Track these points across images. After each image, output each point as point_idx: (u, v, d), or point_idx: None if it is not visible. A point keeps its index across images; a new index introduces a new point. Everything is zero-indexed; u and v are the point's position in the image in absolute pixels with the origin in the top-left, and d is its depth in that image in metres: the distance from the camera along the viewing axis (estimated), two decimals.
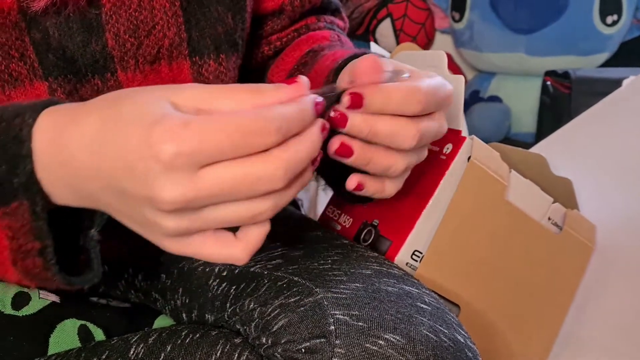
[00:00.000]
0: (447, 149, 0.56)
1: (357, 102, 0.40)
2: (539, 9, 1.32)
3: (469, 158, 0.55)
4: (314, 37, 0.60)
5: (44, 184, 0.37)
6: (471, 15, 1.43)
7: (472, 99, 1.44)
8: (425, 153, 0.45)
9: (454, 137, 0.56)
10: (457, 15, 1.47)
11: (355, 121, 0.40)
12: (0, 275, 0.40)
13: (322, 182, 0.56)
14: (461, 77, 0.55)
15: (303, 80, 0.36)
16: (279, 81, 0.52)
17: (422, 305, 0.43)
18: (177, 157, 0.32)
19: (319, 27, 0.63)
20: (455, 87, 0.57)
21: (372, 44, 1.44)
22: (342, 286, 0.43)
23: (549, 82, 1.23)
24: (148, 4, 0.50)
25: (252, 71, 0.64)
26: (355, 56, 0.49)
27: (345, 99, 0.40)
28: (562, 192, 0.63)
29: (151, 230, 0.36)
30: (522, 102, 1.40)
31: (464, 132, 0.57)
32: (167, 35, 0.51)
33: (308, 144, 0.35)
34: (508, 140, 1.40)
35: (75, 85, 0.49)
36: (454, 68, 1.54)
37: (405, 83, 0.41)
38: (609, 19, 1.36)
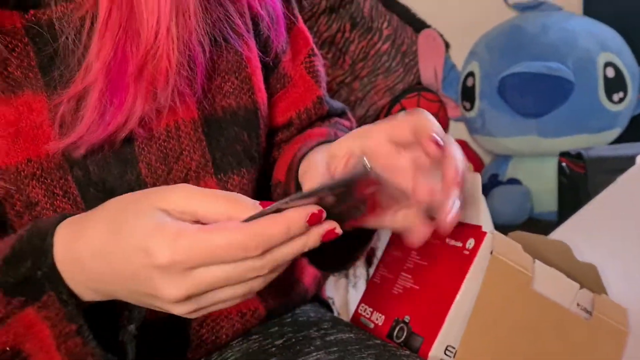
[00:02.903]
0: (470, 244, 0.58)
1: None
2: (544, 94, 1.34)
3: (491, 252, 0.57)
4: (311, 134, 0.63)
5: (68, 283, 0.43)
6: (481, 104, 1.46)
7: (492, 182, 1.45)
8: None
9: (475, 232, 0.58)
10: (467, 105, 1.51)
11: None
12: None
13: (352, 279, 0.59)
14: (478, 175, 0.58)
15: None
16: (279, 176, 0.61)
17: None
18: (172, 264, 0.39)
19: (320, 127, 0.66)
20: (472, 183, 0.59)
21: None
22: None
23: (564, 163, 1.25)
24: (175, 133, 0.54)
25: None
26: (319, 143, 0.57)
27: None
28: (588, 277, 0.63)
29: (168, 311, 0.42)
30: (541, 182, 1.41)
31: (486, 223, 0.59)
32: (193, 159, 0.55)
33: (291, 250, 0.41)
34: (532, 220, 1.40)
35: None
36: (470, 154, 1.57)
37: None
38: (615, 97, 1.39)
